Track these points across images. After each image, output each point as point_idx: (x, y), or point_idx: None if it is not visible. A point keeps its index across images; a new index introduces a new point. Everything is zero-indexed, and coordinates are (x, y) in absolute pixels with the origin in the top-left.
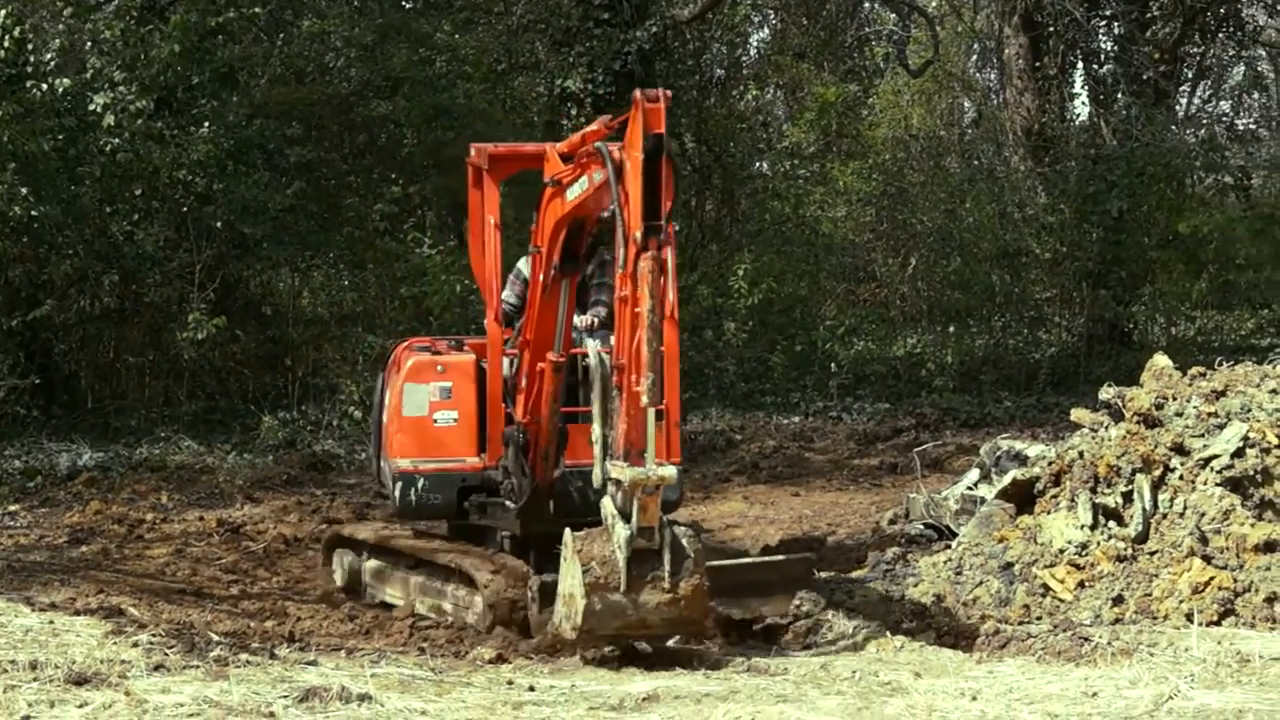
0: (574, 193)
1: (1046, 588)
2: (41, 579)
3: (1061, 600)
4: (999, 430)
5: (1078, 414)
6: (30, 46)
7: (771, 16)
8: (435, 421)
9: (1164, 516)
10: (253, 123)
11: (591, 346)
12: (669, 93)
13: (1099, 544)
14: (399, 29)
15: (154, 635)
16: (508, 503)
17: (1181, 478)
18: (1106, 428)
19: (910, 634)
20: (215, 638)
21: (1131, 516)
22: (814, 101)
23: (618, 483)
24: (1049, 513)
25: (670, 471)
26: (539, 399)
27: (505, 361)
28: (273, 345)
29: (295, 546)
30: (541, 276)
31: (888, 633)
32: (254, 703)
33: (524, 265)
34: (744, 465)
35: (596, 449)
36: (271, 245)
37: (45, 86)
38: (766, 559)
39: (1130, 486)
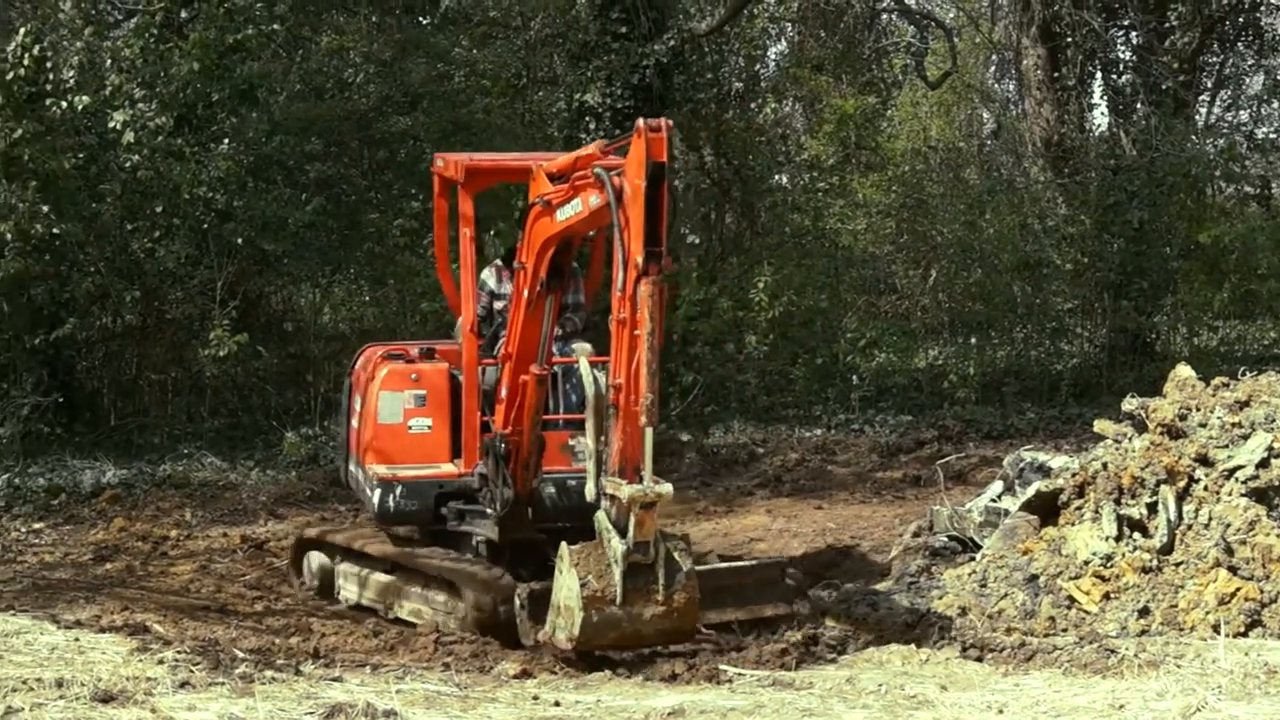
0: (565, 213)
1: (1072, 600)
2: (67, 596)
3: (1087, 612)
4: (1022, 442)
5: (1101, 425)
6: (50, 65)
7: (789, 29)
8: (410, 429)
9: (1189, 528)
10: (272, 139)
11: (585, 368)
12: (670, 122)
13: (1124, 555)
14: (417, 44)
15: (179, 652)
16: (487, 510)
17: (1206, 489)
18: (1130, 439)
19: (935, 647)
20: (240, 654)
21: (1156, 528)
22: (832, 114)
23: (613, 498)
24: (1073, 524)
25: (668, 489)
26: (521, 410)
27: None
28: (294, 361)
29: None
30: (526, 292)
31: (913, 646)
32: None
33: (487, 276)
34: (766, 478)
35: (590, 465)
36: (292, 261)
37: (65, 104)
38: (740, 564)
39: (1155, 498)
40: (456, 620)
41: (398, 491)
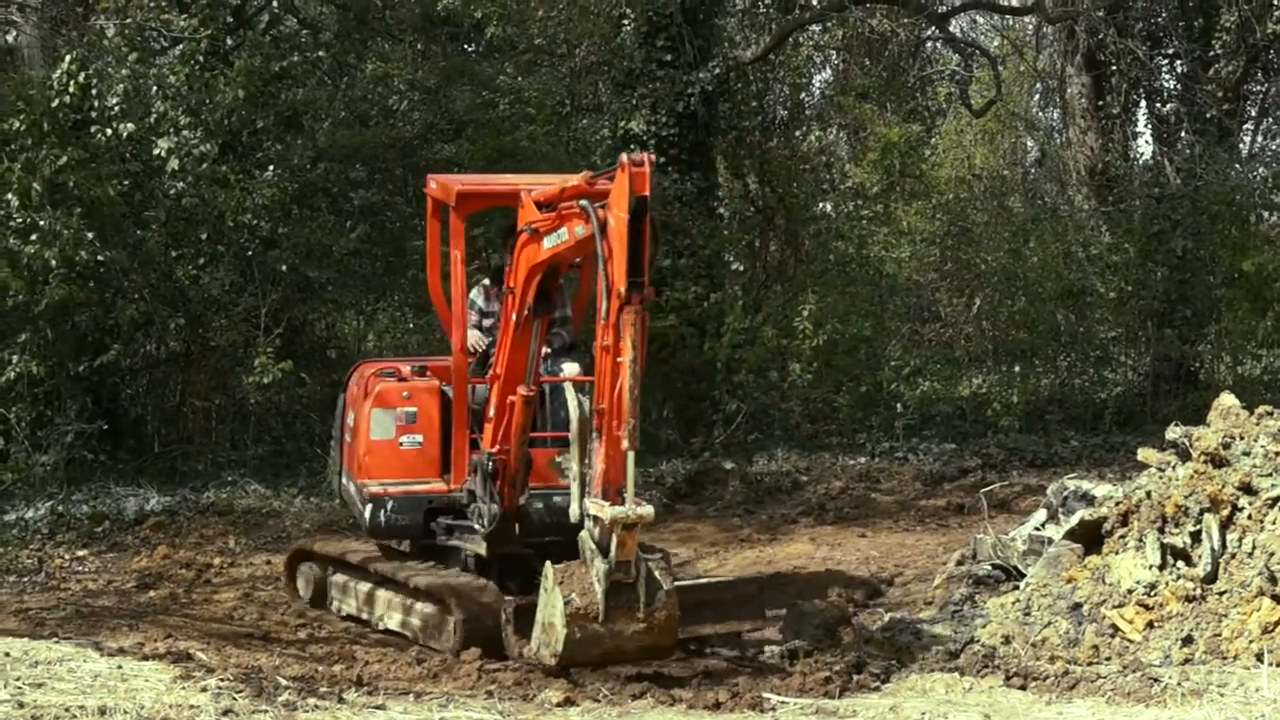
0: (551, 242)
1: (1115, 628)
2: (110, 624)
3: (1130, 641)
4: (1066, 470)
5: (1145, 453)
6: (95, 92)
7: (834, 57)
8: (401, 445)
9: (1233, 556)
10: (317, 166)
11: (570, 393)
12: (653, 157)
13: (1167, 584)
14: (462, 72)
15: (222, 680)
16: (476, 526)
17: (1250, 517)
18: (1174, 467)
19: (979, 675)
20: (284, 682)
21: (1200, 556)
22: (877, 142)
23: (597, 519)
24: (1117, 553)
25: (648, 510)
26: (509, 430)
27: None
28: (338, 389)
29: None
30: (514, 316)
31: (956, 674)
32: None
33: (475, 295)
34: (810, 506)
35: (574, 486)
36: (336, 288)
37: (110, 132)
38: (719, 580)
39: (1198, 526)
40: (443, 633)
41: (389, 506)
